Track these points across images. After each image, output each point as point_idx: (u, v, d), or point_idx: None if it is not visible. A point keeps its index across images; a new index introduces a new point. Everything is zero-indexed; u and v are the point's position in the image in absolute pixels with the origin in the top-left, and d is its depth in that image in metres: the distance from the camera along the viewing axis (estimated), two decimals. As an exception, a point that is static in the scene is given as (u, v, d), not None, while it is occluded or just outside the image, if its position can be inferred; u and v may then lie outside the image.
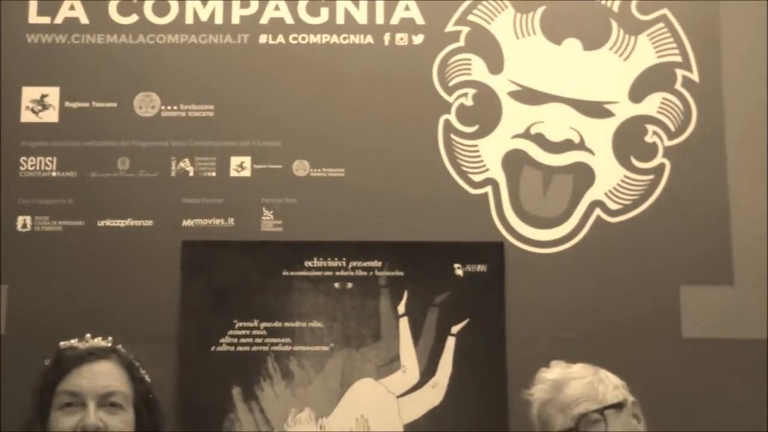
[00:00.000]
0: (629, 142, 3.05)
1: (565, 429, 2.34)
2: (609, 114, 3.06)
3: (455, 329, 2.94)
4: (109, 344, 2.30)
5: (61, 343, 2.30)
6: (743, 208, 3.00)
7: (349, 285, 2.97)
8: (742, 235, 2.98)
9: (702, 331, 2.93)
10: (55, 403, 2.21)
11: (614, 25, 3.09)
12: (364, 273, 2.98)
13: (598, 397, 2.34)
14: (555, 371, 2.42)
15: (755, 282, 2.95)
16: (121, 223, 2.99)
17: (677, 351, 2.91)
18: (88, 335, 2.31)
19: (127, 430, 2.21)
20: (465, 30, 3.09)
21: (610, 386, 2.38)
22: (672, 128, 3.05)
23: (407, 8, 3.10)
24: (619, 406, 2.35)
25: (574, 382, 2.37)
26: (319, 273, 2.97)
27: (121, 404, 2.22)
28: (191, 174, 3.02)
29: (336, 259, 2.98)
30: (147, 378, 2.32)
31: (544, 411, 2.39)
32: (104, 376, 2.23)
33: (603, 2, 3.11)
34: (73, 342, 2.29)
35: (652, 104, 3.06)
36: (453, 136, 3.05)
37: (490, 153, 3.05)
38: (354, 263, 2.98)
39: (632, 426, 2.36)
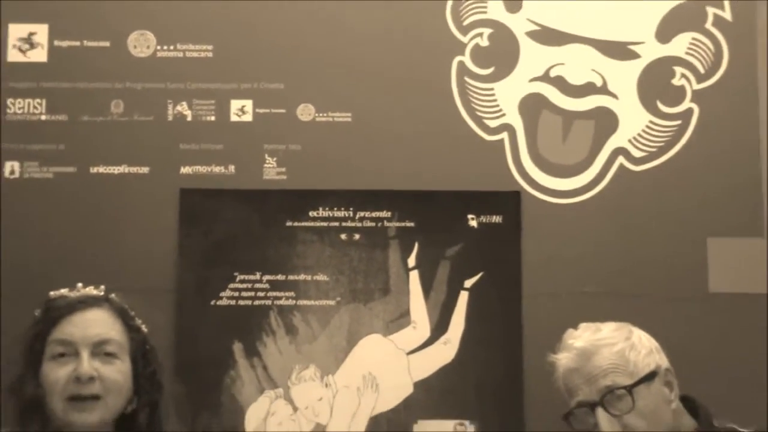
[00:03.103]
0: (655, 85, 3.06)
1: (589, 401, 2.38)
2: (634, 55, 3.07)
3: (468, 283, 2.97)
4: (102, 293, 2.33)
5: (51, 293, 2.33)
6: (776, 155, 3.01)
7: (357, 236, 3.00)
8: (773, 183, 2.99)
9: (730, 286, 2.95)
10: (47, 354, 2.24)
11: (641, -41, 3.10)
12: (373, 224, 3.00)
13: (628, 368, 2.37)
14: (583, 337, 2.43)
15: (788, 234, 2.98)
16: (115, 169, 3.01)
17: (704, 306, 2.94)
18: (80, 284, 2.34)
19: (123, 380, 2.26)
20: (481, -35, 3.10)
21: (642, 353, 2.40)
22: (701, 71, 3.06)
23: (419, -58, 3.10)
24: (650, 377, 2.37)
25: (604, 350, 2.39)
26: (324, 223, 3.00)
27: (115, 353, 2.25)
28: (189, 118, 3.04)
29: (342, 208, 3.00)
30: (143, 327, 2.35)
31: (569, 379, 2.42)
32: (97, 324, 2.26)
33: (629, -66, 3.10)
34: (64, 291, 2.32)
35: (680, 45, 3.07)
36: (467, 79, 3.06)
37: (506, 97, 3.06)
38: (361, 213, 3.00)
39: (663, 395, 2.39)
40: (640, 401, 2.35)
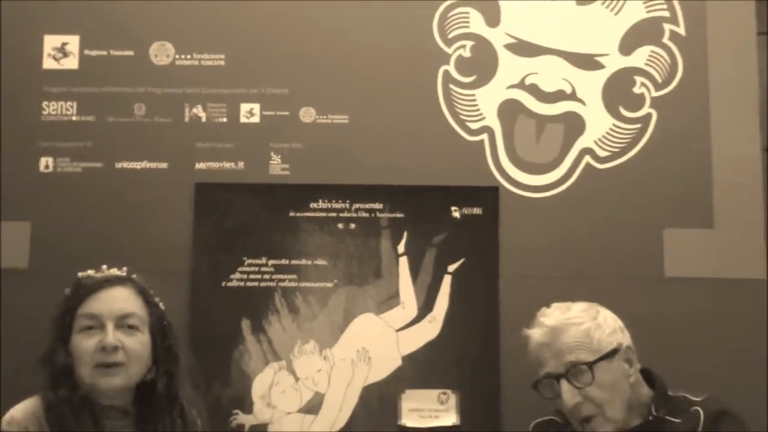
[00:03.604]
0: (618, 92, 3.06)
1: (555, 373, 2.41)
2: (599, 66, 3.07)
3: (451, 268, 2.98)
4: (125, 273, 2.35)
5: (80, 274, 2.35)
6: (724, 156, 3.01)
7: (352, 225, 3.00)
8: (722, 181, 3.00)
9: (683, 271, 2.96)
10: (75, 327, 2.27)
11: (606, -19, 3.11)
12: (366, 214, 3.00)
13: (592, 346, 2.40)
14: (554, 316, 2.47)
15: (733, 226, 2.98)
16: (137, 165, 3.01)
17: (660, 289, 2.94)
18: (104, 266, 2.36)
19: (143, 350, 2.27)
20: (464, -15, 3.10)
21: (606, 332, 2.43)
22: (659, 80, 3.06)
23: (410, -36, 3.10)
24: (611, 354, 2.41)
25: (572, 328, 2.42)
26: (323, 214, 3.00)
27: (137, 326, 2.27)
28: (203, 120, 3.04)
29: (340, 201, 3.00)
30: (161, 305, 2.37)
31: (539, 353, 2.45)
32: (121, 300, 2.28)
33: (596, -41, 3.11)
34: (90, 272, 2.35)
35: (640, 57, 3.07)
36: (452, 86, 3.06)
37: (486, 102, 3.06)
38: (357, 205, 3.00)
39: (623, 370, 2.42)
40: (600, 375, 2.38)
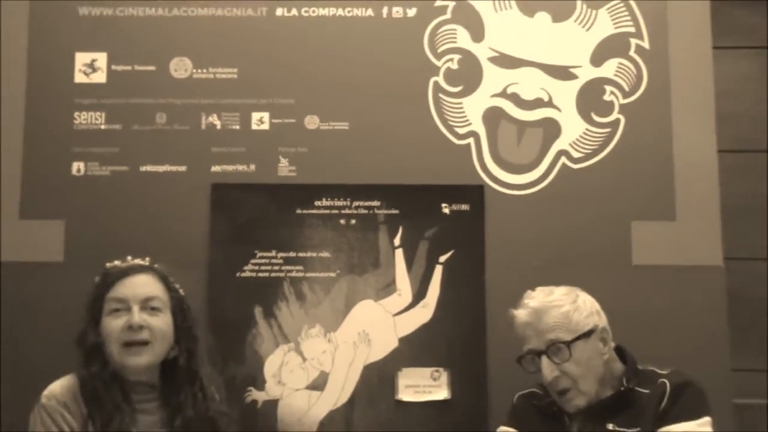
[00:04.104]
0: (590, 100, 3.06)
1: (536, 349, 2.42)
2: (573, 76, 3.07)
3: (442, 258, 2.97)
4: (147, 263, 2.37)
5: (107, 264, 2.37)
6: (684, 157, 3.01)
7: (353, 221, 3.00)
8: (682, 179, 3.00)
9: (649, 259, 2.96)
10: (105, 310, 2.28)
11: (579, 1, 3.10)
12: (366, 211, 3.00)
13: (570, 326, 2.42)
14: (538, 298, 2.48)
15: (693, 218, 2.98)
16: (159, 168, 3.01)
17: (628, 275, 2.95)
18: (129, 257, 2.38)
19: (166, 329, 2.29)
20: (451, 4, 3.10)
21: (584, 314, 2.45)
22: (626, 88, 3.06)
23: (403, -15, 3.11)
24: (587, 334, 2.42)
25: (553, 310, 2.44)
26: (327, 211, 3.00)
27: (159, 308, 2.29)
28: (218, 127, 3.03)
29: (341, 199, 3.00)
30: (181, 290, 2.38)
31: (523, 331, 2.46)
32: (144, 285, 2.30)
33: (569, -18, 3.11)
34: (117, 262, 2.37)
35: (609, 68, 3.07)
36: (441, 95, 3.06)
37: (472, 109, 3.06)
38: (357, 203, 3.00)
39: (598, 349, 2.44)
40: (577, 353, 2.40)
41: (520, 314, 2.48)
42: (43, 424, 2.17)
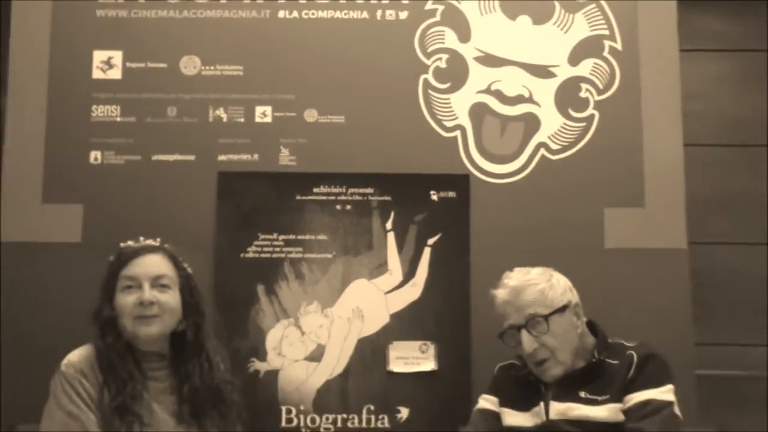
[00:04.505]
0: (567, 96, 3.06)
1: (516, 324, 2.43)
2: (552, 75, 3.07)
3: (431, 241, 2.97)
4: (158, 243, 2.37)
5: (121, 244, 2.38)
6: (653, 149, 3.01)
7: (348, 207, 2.99)
8: (651, 169, 3.00)
9: (619, 243, 2.97)
10: (118, 287, 2.29)
11: (557, 5, 3.10)
12: (360, 197, 3.00)
13: (546, 302, 2.43)
14: (516, 277, 2.49)
15: (660, 205, 2.98)
16: (170, 157, 3.00)
17: (600, 258, 2.95)
18: (141, 238, 2.38)
19: (174, 304, 2.29)
20: (440, 8, 3.09)
21: (558, 291, 2.46)
22: (600, 86, 3.06)
23: (395, -10, 3.11)
24: (563, 308, 2.44)
25: (530, 288, 2.45)
26: (324, 197, 2.99)
27: (169, 285, 2.29)
28: (225, 120, 3.03)
29: (338, 186, 3.00)
30: (189, 269, 2.38)
31: (503, 308, 2.47)
32: (155, 264, 2.30)
33: (549, -13, 3.11)
34: (130, 243, 2.37)
35: (585, 67, 3.07)
36: (430, 91, 3.06)
37: (459, 104, 3.06)
38: (352, 190, 3.00)
39: (572, 322, 2.46)
40: (553, 326, 2.41)
41: (500, 293, 2.48)
42: (63, 390, 2.18)
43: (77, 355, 2.24)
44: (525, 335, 2.41)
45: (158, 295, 2.25)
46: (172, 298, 2.28)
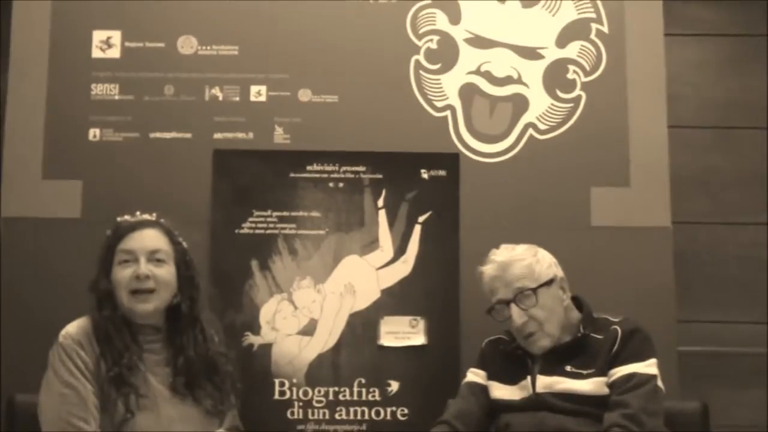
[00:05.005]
0: (555, 78, 3.03)
1: (505, 299, 2.41)
2: (540, 56, 3.04)
3: (421, 219, 2.95)
4: (154, 218, 2.34)
5: (118, 218, 2.35)
6: (638, 130, 2.99)
7: (341, 184, 2.97)
8: (636, 149, 2.98)
9: (605, 221, 2.95)
10: (115, 261, 2.27)
11: (546, -12, 3.08)
12: (352, 175, 2.97)
13: (534, 276, 2.41)
14: (503, 253, 2.47)
15: (645, 185, 2.96)
16: (167, 135, 2.98)
17: (587, 235, 2.94)
18: (138, 212, 2.36)
19: (170, 279, 2.26)
20: (431, -10, 3.07)
21: (544, 266, 2.44)
22: (587, 68, 3.03)
23: (388, -26, 3.07)
24: (549, 282, 2.42)
25: (517, 263, 2.43)
26: (317, 175, 2.97)
27: (164, 260, 2.27)
28: (220, 99, 3.00)
29: (331, 164, 2.97)
30: (184, 243, 2.36)
31: (492, 284, 2.45)
32: (151, 238, 2.28)
33: (538, -29, 3.08)
34: (127, 217, 2.34)
35: (573, 49, 3.04)
36: (421, 72, 3.03)
37: (449, 85, 3.03)
38: (344, 168, 2.97)
39: (558, 296, 2.45)
40: (541, 299, 2.40)
41: (488, 269, 2.47)
42: (61, 360, 2.17)
43: (75, 327, 2.22)
44: (514, 309, 2.40)
45: (154, 269, 2.23)
46: (167, 272, 2.26)
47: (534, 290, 2.39)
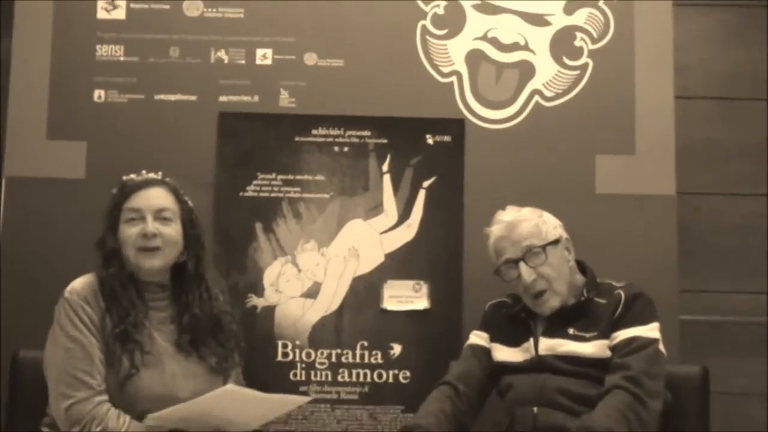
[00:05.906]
0: (562, 45, 3.02)
1: (514, 258, 2.43)
2: (547, 23, 3.03)
3: (425, 184, 2.96)
4: (160, 177, 2.35)
5: (124, 177, 2.36)
6: (644, 98, 2.98)
7: (346, 149, 2.97)
8: (642, 117, 2.97)
9: (610, 189, 2.95)
10: (122, 219, 2.27)
11: (554, -45, 3.06)
12: (357, 140, 2.97)
13: (541, 235, 2.44)
14: (509, 214, 2.50)
15: (650, 153, 2.96)
16: (172, 97, 2.97)
17: (591, 202, 2.94)
18: (144, 171, 2.36)
19: (176, 236, 2.28)
20: (439, -45, 3.05)
21: (550, 226, 2.48)
22: (595, 35, 3.02)
23: (396, -60, 3.06)
24: (556, 242, 2.44)
25: (524, 223, 2.46)
26: (322, 139, 2.97)
27: (171, 218, 2.28)
28: (226, 61, 2.99)
29: (336, 128, 2.97)
30: (190, 203, 2.36)
31: (499, 244, 2.47)
32: (157, 197, 2.28)
33: (546, -62, 3.06)
34: (133, 176, 2.35)
35: (580, 16, 3.03)
36: (428, 37, 3.02)
37: (456, 51, 3.02)
38: (349, 132, 2.97)
39: (564, 256, 2.48)
40: (550, 257, 2.43)
41: (495, 229, 2.49)
42: (67, 316, 2.18)
43: (81, 283, 2.23)
44: (524, 267, 2.42)
45: (161, 228, 2.24)
46: (174, 230, 2.27)
47: (543, 248, 2.42)
